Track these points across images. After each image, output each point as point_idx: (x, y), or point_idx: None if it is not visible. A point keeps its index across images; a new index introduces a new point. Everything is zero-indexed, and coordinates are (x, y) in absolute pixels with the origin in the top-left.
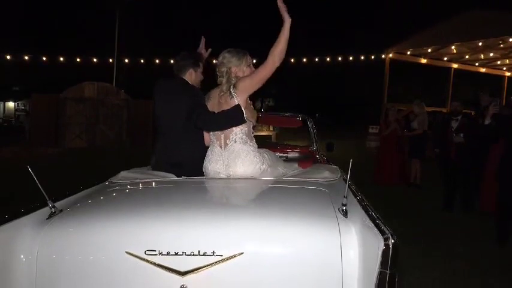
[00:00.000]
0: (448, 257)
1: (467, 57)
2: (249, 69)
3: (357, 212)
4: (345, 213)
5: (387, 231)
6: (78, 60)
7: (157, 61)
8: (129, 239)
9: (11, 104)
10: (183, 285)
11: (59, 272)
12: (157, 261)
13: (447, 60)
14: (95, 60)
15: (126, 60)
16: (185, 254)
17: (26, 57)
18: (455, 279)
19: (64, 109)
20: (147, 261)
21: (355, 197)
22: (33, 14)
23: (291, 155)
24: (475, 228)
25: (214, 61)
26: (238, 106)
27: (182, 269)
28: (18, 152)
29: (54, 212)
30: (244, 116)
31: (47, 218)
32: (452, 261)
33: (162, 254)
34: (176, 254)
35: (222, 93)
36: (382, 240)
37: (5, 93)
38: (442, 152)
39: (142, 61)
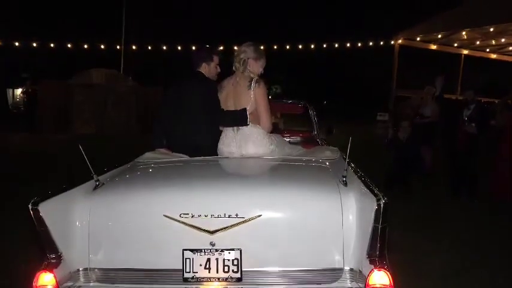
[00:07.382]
0: (456, 244)
1: (478, 43)
2: (262, 69)
3: (354, 182)
4: (345, 183)
5: (379, 194)
6: (85, 46)
7: (164, 48)
8: (166, 204)
9: (19, 91)
10: (211, 241)
11: (107, 235)
12: (190, 222)
13: (457, 47)
14: (102, 46)
15: (134, 47)
16: (213, 216)
17: (34, 44)
18: (463, 265)
19: (72, 95)
20: (182, 222)
21: (353, 170)
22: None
23: (293, 139)
24: (482, 215)
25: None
26: (244, 110)
27: (211, 229)
28: (28, 138)
29: (98, 185)
30: (248, 120)
31: (93, 189)
32: (460, 247)
33: (194, 216)
34: (206, 216)
35: (238, 83)
36: (375, 201)
37: (14, 80)
38: (450, 140)
39: (149, 48)
